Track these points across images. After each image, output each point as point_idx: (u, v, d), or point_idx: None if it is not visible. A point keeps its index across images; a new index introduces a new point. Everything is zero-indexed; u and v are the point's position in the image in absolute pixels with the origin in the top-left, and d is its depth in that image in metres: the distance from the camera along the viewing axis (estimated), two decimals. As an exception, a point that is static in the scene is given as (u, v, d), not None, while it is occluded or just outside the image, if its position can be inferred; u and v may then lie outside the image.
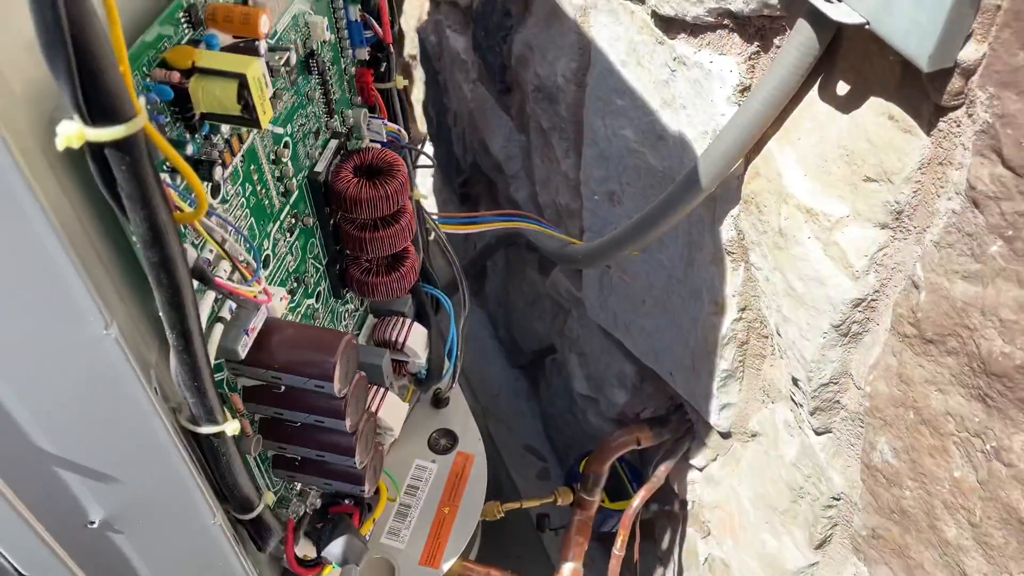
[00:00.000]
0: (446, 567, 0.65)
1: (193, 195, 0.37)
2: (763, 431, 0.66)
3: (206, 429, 0.40)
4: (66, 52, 0.25)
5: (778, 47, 0.52)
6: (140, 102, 0.33)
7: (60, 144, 0.27)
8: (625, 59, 0.69)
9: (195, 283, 0.34)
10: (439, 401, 0.75)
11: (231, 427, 0.41)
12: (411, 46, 1.32)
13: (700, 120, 0.61)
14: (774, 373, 0.63)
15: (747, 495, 0.70)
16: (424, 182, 1.46)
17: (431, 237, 0.74)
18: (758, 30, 0.53)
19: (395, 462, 0.71)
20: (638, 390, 0.87)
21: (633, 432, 0.81)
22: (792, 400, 0.59)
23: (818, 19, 0.46)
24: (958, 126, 0.41)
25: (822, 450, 0.57)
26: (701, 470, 0.79)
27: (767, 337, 0.62)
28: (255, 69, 0.36)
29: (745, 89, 0.56)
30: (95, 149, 0.28)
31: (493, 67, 0.98)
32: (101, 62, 0.26)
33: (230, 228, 0.39)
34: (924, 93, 0.42)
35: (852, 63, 0.46)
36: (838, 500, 0.57)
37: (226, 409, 0.41)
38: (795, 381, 0.57)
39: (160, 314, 0.34)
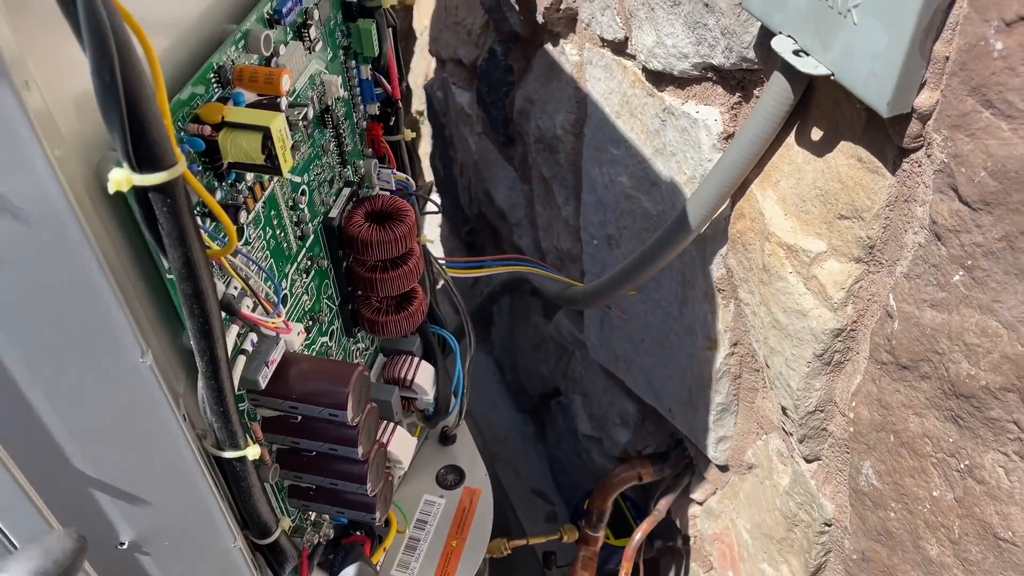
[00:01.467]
0: (454, 598, 0.67)
1: (222, 235, 0.41)
2: (758, 462, 0.68)
3: (230, 454, 0.43)
4: (120, 109, 0.29)
5: (758, 97, 0.56)
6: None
7: (111, 188, 0.31)
8: (619, 111, 0.74)
9: (223, 315, 0.38)
10: (446, 438, 0.78)
11: (252, 451, 0.44)
12: (419, 102, 1.38)
13: (689, 166, 0.65)
14: (766, 405, 0.65)
15: (745, 526, 0.72)
16: (432, 231, 1.50)
17: (439, 285, 0.78)
18: (739, 82, 0.58)
19: (404, 497, 0.73)
20: (640, 428, 0.90)
21: (635, 468, 0.83)
22: (783, 430, 0.62)
23: (791, 71, 0.50)
24: (919, 166, 0.44)
25: (812, 477, 0.59)
26: (701, 504, 0.81)
27: (758, 370, 0.65)
28: (278, 123, 0.40)
29: (729, 136, 0.60)
30: (140, 193, 0.32)
31: (496, 120, 1.02)
32: (148, 117, 0.30)
33: (254, 266, 0.42)
34: (887, 137, 0.45)
35: (824, 111, 0.50)
36: (829, 526, 0.59)
37: (248, 436, 0.44)
38: (784, 410, 0.59)
39: (191, 343, 0.37)
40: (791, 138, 0.54)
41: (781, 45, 0.48)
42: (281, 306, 0.42)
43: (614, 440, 0.95)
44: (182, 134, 0.39)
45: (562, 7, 0.78)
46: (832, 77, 0.45)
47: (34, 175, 0.30)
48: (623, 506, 0.94)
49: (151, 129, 0.30)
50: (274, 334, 0.42)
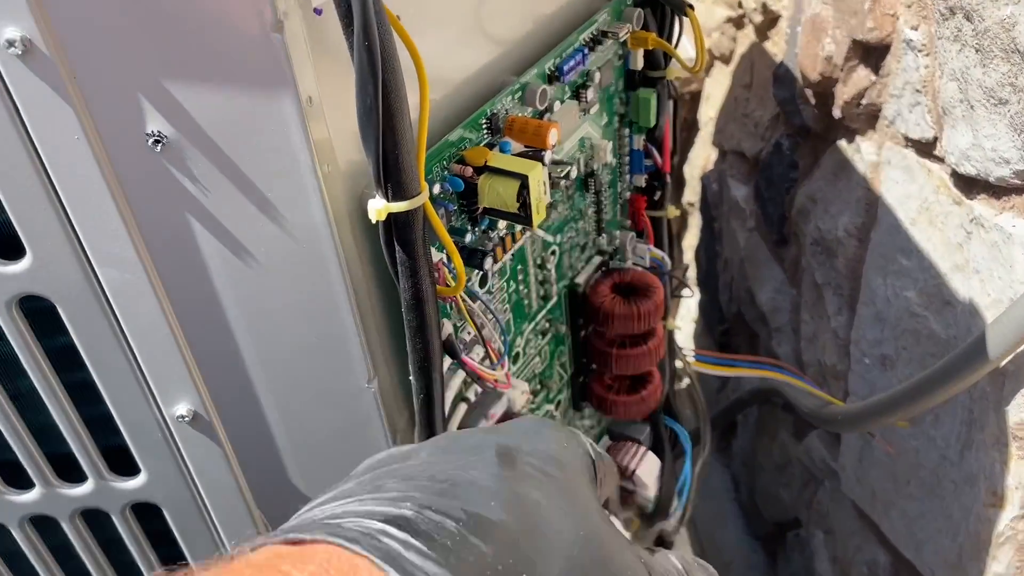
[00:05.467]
0: None
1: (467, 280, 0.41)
2: (1044, 661, 0.55)
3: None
4: (376, 130, 0.29)
5: (1098, 215, 0.47)
6: (435, 189, 0.37)
7: (372, 217, 0.31)
8: (915, 218, 0.66)
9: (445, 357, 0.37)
10: (663, 543, 0.72)
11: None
12: (691, 193, 1.36)
13: (995, 288, 0.55)
14: (1064, 592, 0.53)
15: None
16: (686, 326, 1.45)
17: (683, 382, 0.73)
18: (1075, 195, 0.49)
19: (607, 595, 0.68)
20: (891, 584, 0.77)
21: (878, 629, 0.71)
22: (1085, 628, 0.49)
23: None
24: None
25: None
26: None
27: (1058, 546, 0.53)
28: (537, 173, 0.39)
29: (1053, 258, 0.51)
30: (386, 220, 0.32)
31: (772, 217, 0.97)
32: (401, 144, 0.30)
33: (490, 315, 0.41)
34: None
35: None
36: None
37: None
38: (1090, 603, 0.47)
39: (410, 376, 0.37)
40: None
41: None
42: (507, 359, 0.41)
43: (857, 591, 0.83)
44: (445, 172, 0.39)
45: (864, 102, 0.72)
46: None
47: (300, 185, 0.32)
48: (857, 671, 0.80)
49: (402, 156, 0.30)
50: (492, 387, 0.41)
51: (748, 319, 1.11)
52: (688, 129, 1.36)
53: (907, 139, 0.66)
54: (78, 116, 0.29)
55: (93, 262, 0.32)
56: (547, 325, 0.53)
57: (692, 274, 1.41)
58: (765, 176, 0.98)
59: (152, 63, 0.28)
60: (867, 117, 0.73)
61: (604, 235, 0.56)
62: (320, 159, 0.32)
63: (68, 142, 0.29)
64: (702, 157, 1.30)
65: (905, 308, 0.68)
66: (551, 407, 0.56)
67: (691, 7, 0.49)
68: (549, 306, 0.52)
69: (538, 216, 0.40)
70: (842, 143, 0.79)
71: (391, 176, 0.30)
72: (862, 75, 0.72)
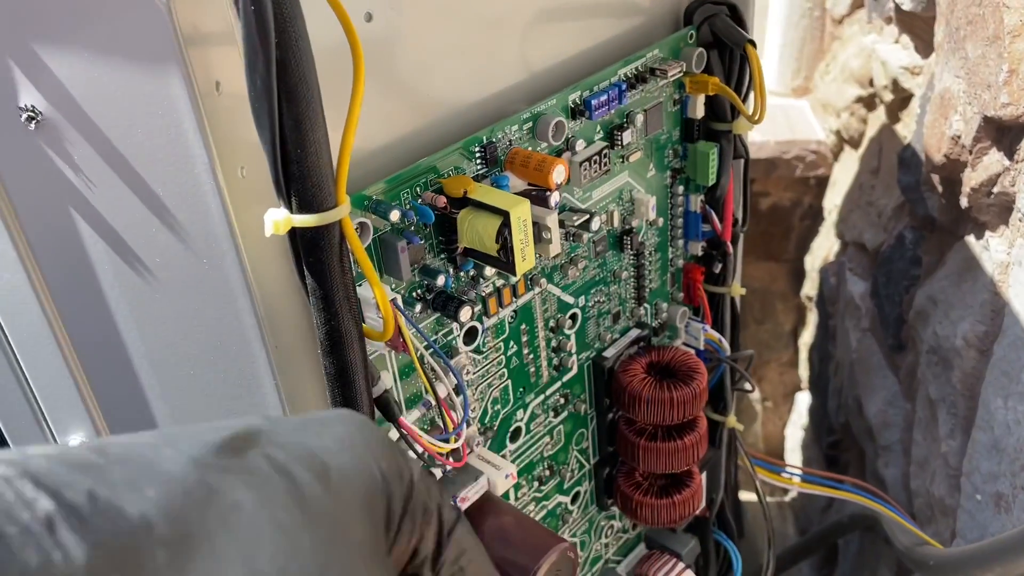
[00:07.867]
0: None
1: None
2: None
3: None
4: (271, 124, 0.24)
5: None
6: (391, 215, 0.31)
7: (267, 229, 0.26)
8: (1048, 329, 0.54)
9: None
10: None
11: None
12: (811, 287, 1.24)
13: None
14: None
15: None
16: (793, 435, 1.31)
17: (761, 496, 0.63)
18: None
19: None
20: None
21: None
22: None
23: None
24: None
25: None
26: None
27: None
28: (521, 210, 0.33)
29: None
30: (292, 236, 0.26)
31: (888, 318, 0.85)
32: (306, 141, 0.24)
33: (447, 370, 0.35)
34: None
35: None
36: None
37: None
38: None
39: None
40: None
41: None
42: (465, 427, 0.34)
43: None
44: (418, 201, 0.34)
45: (995, 190, 0.61)
46: None
47: (196, 187, 0.27)
48: None
49: (308, 157, 0.24)
50: (439, 462, 0.34)
51: (855, 432, 0.98)
52: (813, 217, 1.25)
53: (1045, 235, 0.55)
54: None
55: (-30, 255, 0.28)
56: (562, 401, 0.45)
57: (804, 375, 1.28)
58: (884, 271, 0.87)
59: (20, 23, 0.24)
60: (999, 209, 0.62)
61: (647, 306, 0.48)
62: (225, 159, 0.27)
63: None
64: (824, 247, 1.19)
65: (1030, 439, 0.55)
66: (565, 499, 0.48)
67: (752, 43, 0.41)
68: (566, 378, 0.45)
69: (523, 263, 0.34)
70: (970, 238, 0.68)
71: (294, 181, 0.25)
72: (994, 159, 0.61)
